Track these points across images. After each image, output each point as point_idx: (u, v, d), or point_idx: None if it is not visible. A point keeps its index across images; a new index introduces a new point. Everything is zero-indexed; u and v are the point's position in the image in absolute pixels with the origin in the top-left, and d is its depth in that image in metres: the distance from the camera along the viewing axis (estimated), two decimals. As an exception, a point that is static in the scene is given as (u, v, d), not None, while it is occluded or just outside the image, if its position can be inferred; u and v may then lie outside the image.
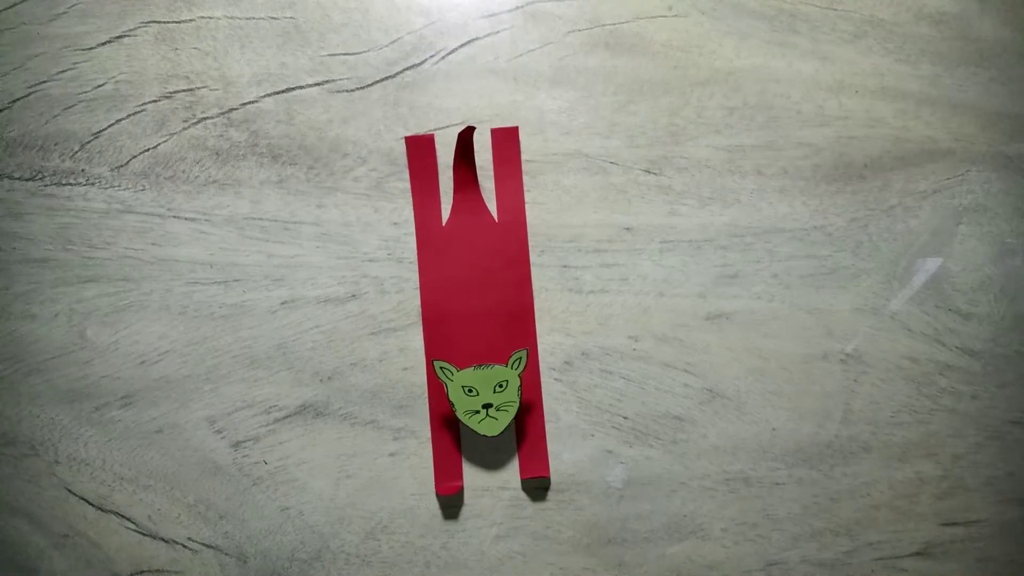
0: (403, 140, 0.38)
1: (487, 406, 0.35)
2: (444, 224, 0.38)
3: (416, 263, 0.38)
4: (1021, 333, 0.38)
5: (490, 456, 0.37)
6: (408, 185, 0.38)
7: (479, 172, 0.38)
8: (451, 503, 0.37)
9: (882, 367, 0.38)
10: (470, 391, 0.35)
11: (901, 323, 0.38)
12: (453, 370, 0.35)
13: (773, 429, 0.38)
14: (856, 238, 0.38)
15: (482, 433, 0.35)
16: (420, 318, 0.38)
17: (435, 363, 0.35)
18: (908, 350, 0.38)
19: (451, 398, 0.35)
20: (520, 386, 0.35)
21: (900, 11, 0.39)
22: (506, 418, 0.35)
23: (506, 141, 0.38)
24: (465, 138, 0.36)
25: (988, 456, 0.38)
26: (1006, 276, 0.39)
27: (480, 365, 0.35)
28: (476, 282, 0.38)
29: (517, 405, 0.35)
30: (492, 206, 0.38)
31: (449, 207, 0.38)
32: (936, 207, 0.39)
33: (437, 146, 0.38)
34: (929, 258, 0.39)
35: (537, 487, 0.37)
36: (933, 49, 0.39)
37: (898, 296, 0.38)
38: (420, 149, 0.38)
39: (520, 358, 0.35)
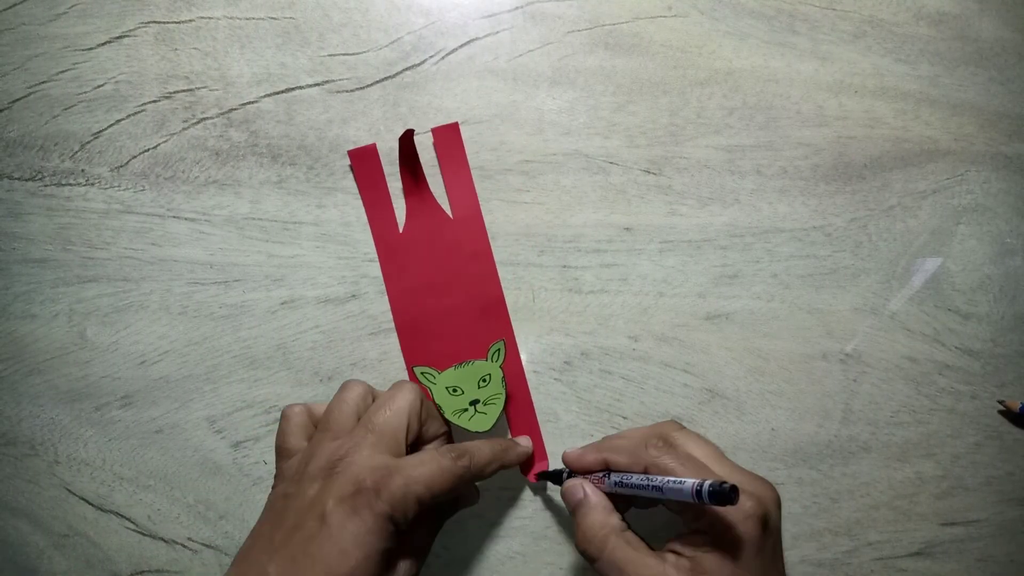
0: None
1: (474, 403, 0.35)
2: (401, 231, 0.38)
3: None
4: (1021, 333, 0.38)
5: (490, 456, 0.37)
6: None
7: (475, 172, 0.38)
8: (451, 503, 0.37)
9: (881, 367, 0.38)
10: (455, 391, 0.35)
11: (900, 323, 0.38)
12: (435, 373, 0.35)
13: (772, 429, 0.38)
14: (855, 238, 0.38)
15: (473, 430, 0.34)
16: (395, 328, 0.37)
17: (416, 369, 0.35)
18: (907, 350, 0.38)
19: (437, 401, 0.34)
20: (503, 377, 0.35)
21: (900, 11, 0.39)
22: (495, 411, 0.35)
23: (447, 138, 0.38)
24: (406, 142, 0.36)
25: (987, 456, 0.38)
26: (1005, 276, 0.39)
27: (460, 363, 0.35)
28: (443, 282, 0.38)
29: (504, 397, 0.35)
30: (446, 204, 0.38)
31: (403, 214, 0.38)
32: (935, 207, 0.39)
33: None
34: (928, 258, 0.39)
35: (537, 487, 0.37)
36: (933, 49, 0.39)
37: (897, 296, 0.38)
38: (364, 160, 0.38)
39: (499, 349, 0.35)
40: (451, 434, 0.35)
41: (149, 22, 0.38)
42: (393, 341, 0.38)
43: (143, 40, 0.38)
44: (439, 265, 0.38)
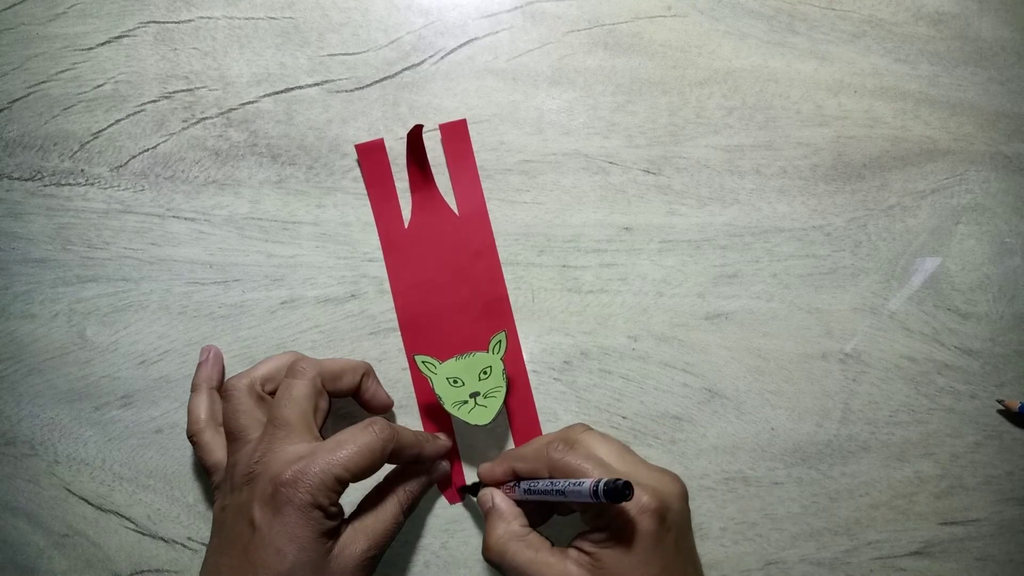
0: (401, 140, 0.38)
1: (474, 395, 0.35)
2: (407, 227, 0.38)
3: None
4: (1020, 333, 0.39)
5: (489, 455, 0.37)
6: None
7: (482, 170, 0.38)
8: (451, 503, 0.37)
9: (881, 367, 0.38)
10: (455, 382, 0.35)
11: (900, 323, 0.38)
12: (436, 363, 0.35)
13: (772, 428, 0.38)
14: (855, 238, 0.38)
15: (473, 423, 0.34)
16: (397, 324, 0.38)
17: (417, 358, 0.35)
18: (907, 349, 0.38)
19: (437, 391, 0.34)
20: (504, 370, 0.35)
21: (899, 11, 0.39)
22: (495, 405, 0.35)
23: (455, 135, 0.38)
24: (414, 137, 0.36)
25: (987, 455, 0.38)
26: (1005, 276, 0.39)
27: (461, 354, 0.35)
28: (447, 279, 0.38)
29: (504, 390, 0.35)
30: (452, 201, 0.38)
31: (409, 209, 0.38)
32: (935, 207, 0.39)
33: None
34: (928, 257, 0.39)
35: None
36: (932, 49, 0.39)
37: (897, 296, 0.38)
38: (370, 155, 0.38)
39: (500, 341, 0.35)
40: (371, 371, 0.36)
41: (149, 22, 0.38)
42: (393, 340, 0.38)
43: (143, 40, 0.38)
44: (444, 261, 0.38)
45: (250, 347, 0.37)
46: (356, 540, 0.29)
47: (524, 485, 0.30)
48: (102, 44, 0.38)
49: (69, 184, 0.38)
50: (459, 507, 0.37)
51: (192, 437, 0.34)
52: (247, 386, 0.32)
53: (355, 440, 0.29)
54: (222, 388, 0.33)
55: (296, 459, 0.28)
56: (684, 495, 0.29)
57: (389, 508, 0.31)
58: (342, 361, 0.34)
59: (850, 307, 0.38)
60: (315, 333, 0.38)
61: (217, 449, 0.32)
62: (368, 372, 0.35)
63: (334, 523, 0.28)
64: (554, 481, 0.28)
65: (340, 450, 0.28)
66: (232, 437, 0.31)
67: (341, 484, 0.28)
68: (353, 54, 0.38)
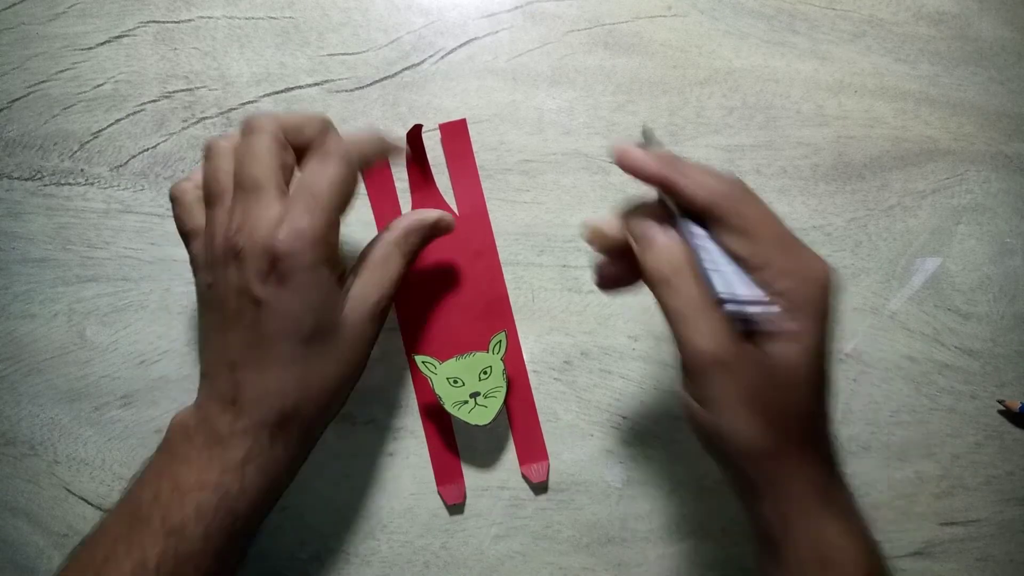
0: (401, 140, 0.38)
1: (474, 395, 0.35)
2: None
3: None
4: (1020, 333, 0.38)
5: (489, 456, 0.37)
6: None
7: (484, 169, 0.38)
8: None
9: (881, 367, 0.38)
10: (455, 382, 0.35)
11: (900, 323, 0.38)
12: (436, 363, 0.35)
13: (772, 429, 0.38)
14: (855, 238, 0.38)
15: (473, 423, 0.34)
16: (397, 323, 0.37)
17: (417, 358, 0.35)
18: (907, 350, 0.38)
19: (437, 391, 0.34)
20: (504, 370, 0.35)
21: (899, 11, 0.39)
22: (495, 404, 0.35)
23: (455, 134, 0.38)
24: (414, 137, 0.36)
25: (987, 456, 0.38)
26: (1005, 276, 0.39)
27: (461, 355, 0.35)
28: (447, 279, 0.38)
29: (504, 390, 0.35)
30: (452, 201, 0.38)
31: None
32: (935, 207, 0.39)
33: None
34: (928, 258, 0.39)
35: (537, 485, 0.37)
36: (932, 49, 0.39)
37: (897, 296, 0.38)
38: None
39: (500, 341, 0.35)
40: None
41: (148, 22, 0.38)
42: (392, 340, 0.38)
43: (142, 40, 0.38)
44: (444, 262, 0.38)
45: (250, 347, 0.37)
46: (367, 293, 0.29)
47: (708, 246, 0.23)
48: (102, 44, 0.38)
49: (69, 184, 0.38)
50: (459, 507, 0.37)
51: (175, 188, 0.30)
52: (228, 146, 0.29)
53: (323, 176, 0.27)
54: (244, 121, 0.29)
55: (278, 222, 0.26)
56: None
57: (393, 260, 0.31)
58: (299, 113, 0.30)
59: (850, 307, 0.38)
60: (315, 333, 0.37)
61: (201, 213, 0.30)
62: (330, 123, 0.29)
63: (339, 273, 0.28)
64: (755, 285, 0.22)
65: (315, 190, 0.27)
66: (207, 199, 0.29)
67: (332, 228, 0.27)
68: (353, 54, 0.38)
